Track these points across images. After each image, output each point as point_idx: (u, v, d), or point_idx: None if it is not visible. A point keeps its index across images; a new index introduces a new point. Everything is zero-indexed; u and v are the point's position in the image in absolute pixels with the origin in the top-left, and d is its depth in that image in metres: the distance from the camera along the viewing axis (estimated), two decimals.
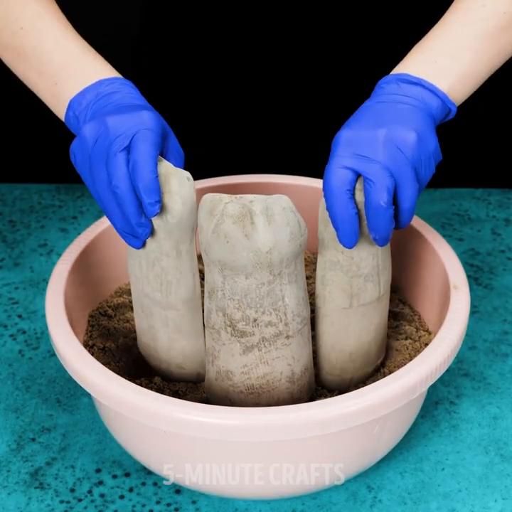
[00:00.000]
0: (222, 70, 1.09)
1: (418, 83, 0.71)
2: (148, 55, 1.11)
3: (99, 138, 0.68)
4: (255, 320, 0.66)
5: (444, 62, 0.72)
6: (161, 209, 0.66)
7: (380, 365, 0.77)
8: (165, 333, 0.73)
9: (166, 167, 0.66)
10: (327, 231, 0.68)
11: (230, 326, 0.67)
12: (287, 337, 0.68)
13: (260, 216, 0.63)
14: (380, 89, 0.73)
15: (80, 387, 0.83)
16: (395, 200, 0.67)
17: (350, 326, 0.72)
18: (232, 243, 0.63)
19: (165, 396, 0.65)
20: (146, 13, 1.08)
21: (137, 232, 0.68)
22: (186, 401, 0.64)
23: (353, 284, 0.70)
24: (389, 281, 0.74)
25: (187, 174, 0.67)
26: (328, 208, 0.66)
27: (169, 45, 1.08)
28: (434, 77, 0.71)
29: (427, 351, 0.68)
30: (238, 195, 0.64)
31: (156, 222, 0.67)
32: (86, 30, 1.02)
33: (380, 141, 0.66)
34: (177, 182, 0.66)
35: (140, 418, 0.65)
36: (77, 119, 0.73)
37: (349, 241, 0.67)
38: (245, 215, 0.63)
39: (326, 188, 0.66)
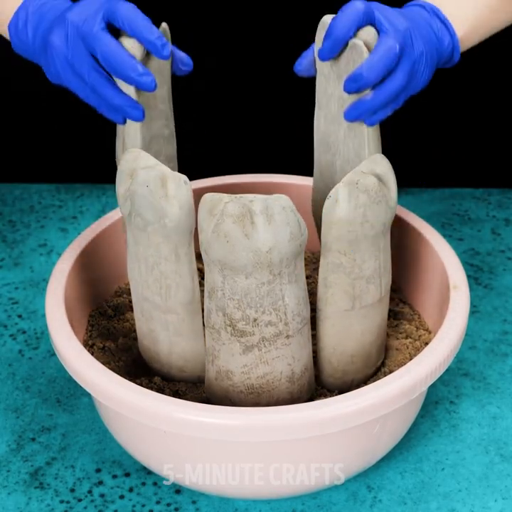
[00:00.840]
0: (220, 69, 1.09)
1: (443, 21, 0.74)
2: None
3: (68, 36, 0.69)
4: (255, 320, 0.66)
5: (466, 11, 0.76)
6: (159, 213, 0.66)
7: (380, 366, 0.77)
8: (166, 337, 0.72)
9: (162, 171, 0.66)
10: (330, 233, 0.68)
11: (229, 326, 0.67)
12: (287, 337, 0.68)
13: (260, 216, 0.63)
14: (411, 5, 0.75)
15: (80, 387, 0.83)
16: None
17: (352, 327, 0.72)
18: (232, 243, 0.63)
19: (165, 396, 0.65)
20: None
21: (143, 81, 0.68)
22: (186, 401, 0.65)
23: (356, 285, 0.70)
24: (389, 283, 0.74)
25: (184, 178, 0.67)
26: (331, 22, 0.69)
27: None
28: (454, 22, 0.75)
29: (426, 351, 0.69)
30: (238, 195, 0.64)
31: (154, 226, 0.67)
32: None
33: (401, 18, 0.70)
34: (174, 185, 0.66)
35: (140, 418, 0.65)
36: (26, 26, 0.74)
37: (327, 51, 0.69)
38: (245, 214, 0.63)
39: (340, 10, 0.69)
